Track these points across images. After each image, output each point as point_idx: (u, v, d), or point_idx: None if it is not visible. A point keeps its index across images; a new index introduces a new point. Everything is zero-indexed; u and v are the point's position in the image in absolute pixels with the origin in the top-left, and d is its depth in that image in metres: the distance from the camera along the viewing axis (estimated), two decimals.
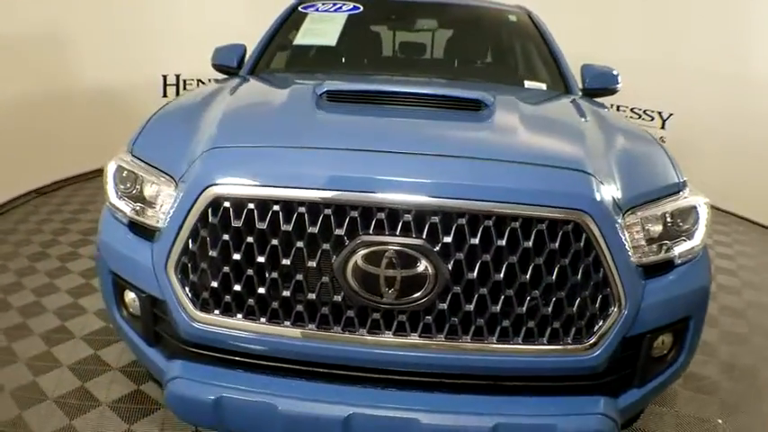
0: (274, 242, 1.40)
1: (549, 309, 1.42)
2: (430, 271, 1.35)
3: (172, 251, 1.46)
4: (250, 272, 1.42)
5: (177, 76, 6.28)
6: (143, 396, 2.13)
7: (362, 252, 1.35)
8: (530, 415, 1.43)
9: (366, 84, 2.12)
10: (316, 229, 1.37)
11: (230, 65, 2.89)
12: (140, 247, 1.57)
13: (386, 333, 1.42)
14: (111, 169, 1.71)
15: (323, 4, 3.06)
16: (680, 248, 1.60)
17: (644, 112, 5.30)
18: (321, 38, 2.87)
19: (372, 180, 1.38)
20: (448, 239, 1.36)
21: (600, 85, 2.76)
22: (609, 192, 1.48)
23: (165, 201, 1.56)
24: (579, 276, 1.41)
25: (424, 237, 1.35)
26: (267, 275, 1.42)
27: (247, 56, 2.92)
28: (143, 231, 1.60)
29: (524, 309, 1.41)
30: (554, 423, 1.41)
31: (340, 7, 3.02)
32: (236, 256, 1.42)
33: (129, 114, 5.85)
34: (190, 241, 1.44)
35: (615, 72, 2.80)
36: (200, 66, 6.27)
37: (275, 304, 1.44)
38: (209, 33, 5.81)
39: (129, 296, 1.67)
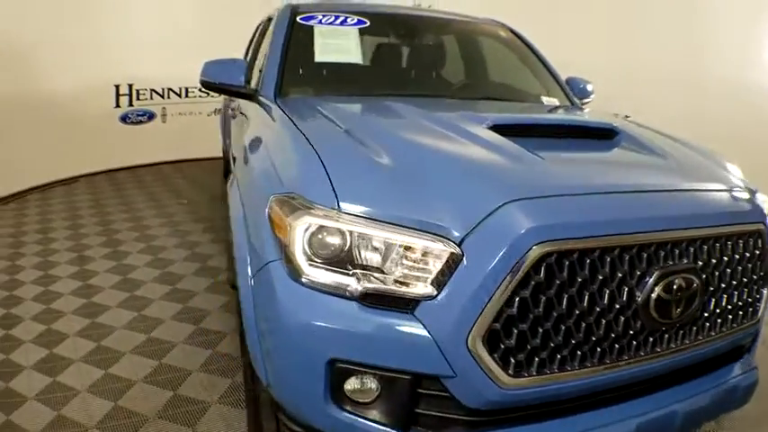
0: (593, 288, 1.39)
1: (747, 298, 1.69)
2: (699, 288, 1.51)
3: (478, 320, 1.29)
4: (570, 323, 1.38)
5: (130, 86, 6.16)
6: None
7: (661, 283, 1.43)
8: (724, 381, 1.71)
9: (514, 115, 2.13)
10: (625, 270, 1.41)
11: (236, 83, 2.56)
12: (393, 322, 1.35)
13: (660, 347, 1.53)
14: (302, 233, 1.40)
15: (323, 16, 2.84)
16: None
17: None
18: (345, 55, 2.68)
19: (662, 218, 1.50)
20: (704, 259, 1.54)
21: (582, 96, 3.07)
22: None
23: (413, 262, 1.35)
24: (760, 270, 1.69)
25: (692, 261, 1.52)
26: (583, 322, 1.39)
27: None
28: (385, 303, 1.37)
29: (736, 302, 1.65)
30: (737, 383, 1.74)
31: (344, 20, 2.85)
32: (562, 310, 1.36)
33: (83, 126, 5.74)
34: (503, 305, 1.30)
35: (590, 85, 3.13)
36: (153, 75, 6.35)
37: (586, 348, 1.41)
38: (162, 43, 6.01)
39: (357, 383, 1.42)
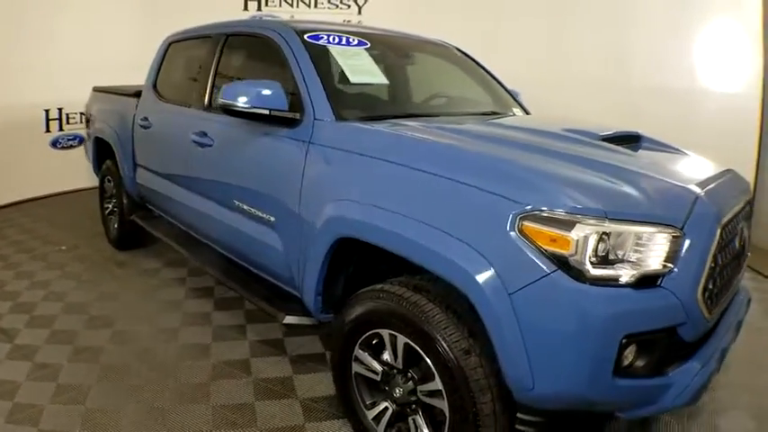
0: (730, 242, 1.98)
1: None
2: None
3: (702, 279, 1.74)
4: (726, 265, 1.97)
5: (60, 110, 6.11)
6: None
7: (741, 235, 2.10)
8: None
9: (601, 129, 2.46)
10: (734, 229, 2.02)
11: (281, 107, 2.42)
12: (655, 295, 1.68)
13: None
14: (591, 242, 1.63)
15: (328, 35, 2.81)
16: None
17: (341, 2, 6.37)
18: (372, 76, 2.70)
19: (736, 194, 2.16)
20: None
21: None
22: None
23: (655, 247, 1.69)
24: None
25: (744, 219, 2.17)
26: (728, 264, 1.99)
27: None
28: (643, 283, 1.68)
29: None
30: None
31: (348, 40, 2.86)
32: (725, 259, 1.93)
33: (12, 152, 5.59)
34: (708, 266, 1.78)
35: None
36: (83, 98, 5.65)
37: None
38: (91, 65, 5.70)
39: (631, 350, 1.71)
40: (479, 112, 3.01)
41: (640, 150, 2.41)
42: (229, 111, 2.48)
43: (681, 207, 1.78)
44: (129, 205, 4.14)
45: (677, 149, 2.55)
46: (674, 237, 1.70)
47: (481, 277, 1.70)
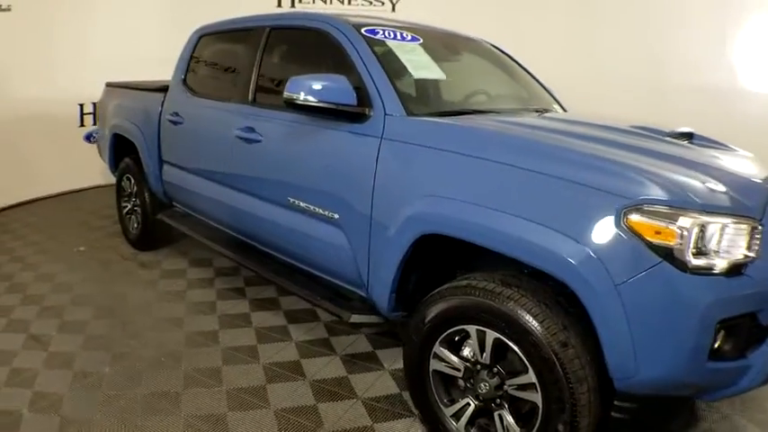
0: None
1: None
2: None
3: None
4: None
5: (94, 105, 6.02)
6: None
7: None
8: None
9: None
10: None
11: (350, 102, 2.38)
12: (742, 282, 1.76)
13: None
14: (695, 234, 1.69)
15: (383, 30, 2.77)
16: None
17: None
18: (432, 72, 2.67)
19: None
20: None
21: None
22: None
23: (741, 238, 1.76)
24: None
25: None
26: None
27: None
28: (731, 271, 1.74)
29: None
30: None
31: (403, 36, 2.82)
32: None
33: (48, 146, 5.80)
34: None
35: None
36: None
37: None
38: (125, 60, 5.72)
39: (722, 334, 1.77)
40: (531, 108, 3.00)
41: (701, 147, 2.44)
42: (293, 105, 2.42)
43: (759, 199, 1.88)
44: (152, 204, 4.01)
45: (728, 146, 2.59)
46: (754, 228, 1.78)
47: (588, 270, 1.72)
